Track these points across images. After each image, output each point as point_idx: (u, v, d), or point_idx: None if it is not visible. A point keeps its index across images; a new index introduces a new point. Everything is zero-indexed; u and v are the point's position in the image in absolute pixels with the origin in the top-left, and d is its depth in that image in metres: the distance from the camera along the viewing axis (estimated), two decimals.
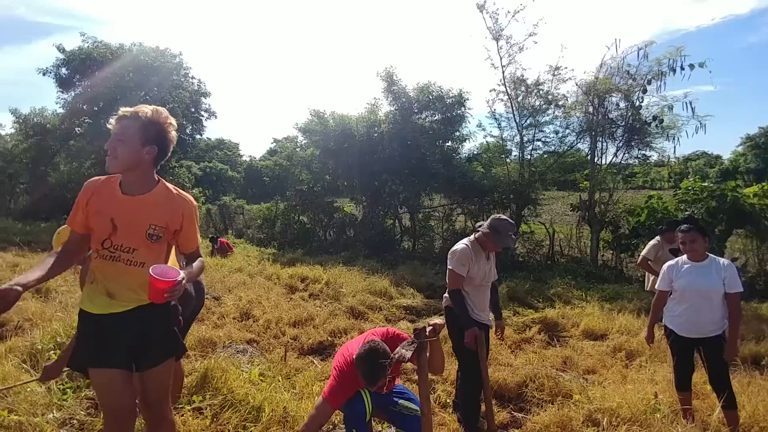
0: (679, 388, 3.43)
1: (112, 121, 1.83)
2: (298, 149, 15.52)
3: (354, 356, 2.41)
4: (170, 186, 1.95)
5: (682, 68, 9.37)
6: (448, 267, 3.25)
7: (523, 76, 10.94)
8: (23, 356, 3.41)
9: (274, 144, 42.89)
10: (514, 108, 11.19)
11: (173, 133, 1.90)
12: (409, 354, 2.26)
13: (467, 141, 12.61)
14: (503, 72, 11.10)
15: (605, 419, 3.39)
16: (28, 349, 3.48)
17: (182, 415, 2.77)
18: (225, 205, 19.62)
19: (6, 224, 13.50)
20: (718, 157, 49.56)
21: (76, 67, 16.35)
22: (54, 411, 2.78)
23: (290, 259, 10.46)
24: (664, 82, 9.63)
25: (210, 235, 13.23)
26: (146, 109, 1.83)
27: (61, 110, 17.24)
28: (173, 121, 1.91)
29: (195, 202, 2.01)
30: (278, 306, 6.16)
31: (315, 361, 4.53)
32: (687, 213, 8.98)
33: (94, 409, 2.98)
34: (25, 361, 3.33)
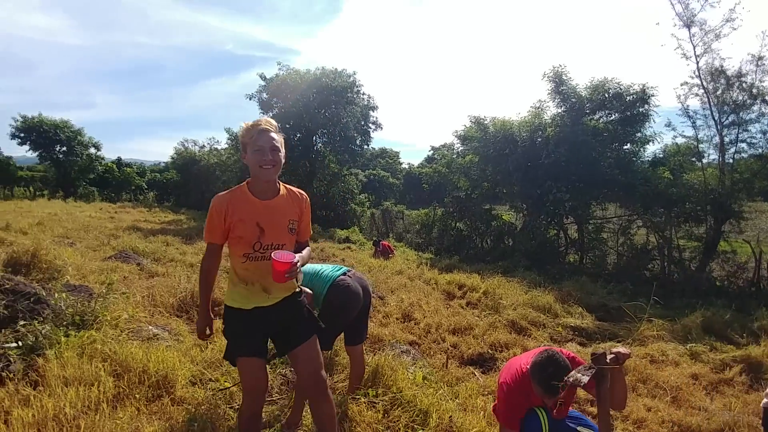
0: None
1: (250, 134, 2.08)
2: (456, 156, 15.71)
3: (529, 365, 2.33)
4: (286, 185, 2.24)
5: None
6: None
7: (722, 66, 9.11)
8: None
9: (432, 151, 44.18)
10: (712, 103, 9.37)
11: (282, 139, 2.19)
12: (586, 379, 2.10)
13: (651, 143, 10.99)
14: (697, 62, 9.42)
15: None
16: None
17: (359, 406, 3.00)
18: (387, 209, 21.04)
19: None
20: None
21: (274, 91, 19.57)
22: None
23: (447, 265, 10.65)
24: None
25: (373, 238, 14.35)
26: (272, 121, 2.12)
27: None
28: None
29: (307, 196, 2.31)
30: (438, 311, 6.36)
31: (476, 372, 4.55)
32: None
33: (287, 385, 3.48)
34: None
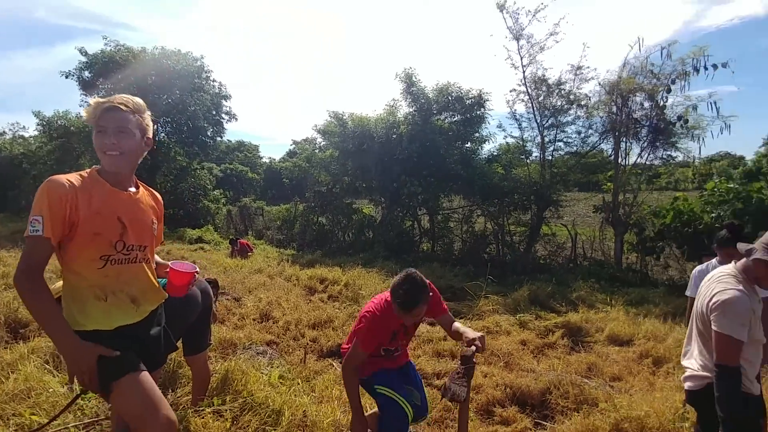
0: None
1: (94, 113, 1.68)
2: (317, 151, 15.60)
3: (390, 287, 2.30)
4: (140, 181, 1.89)
5: (706, 68, 9.12)
6: (719, 330, 1.98)
7: (544, 75, 10.76)
8: (46, 357, 3.43)
9: (293, 146, 43.33)
10: (535, 108, 11.01)
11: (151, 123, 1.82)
12: (464, 393, 2.07)
13: (487, 142, 12.50)
14: (524, 72, 10.94)
15: (632, 429, 3.29)
16: (51, 350, 3.49)
17: (203, 418, 2.76)
18: (245, 206, 19.87)
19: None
20: (741, 158, 47.97)
21: (99, 70, 16.66)
22: (76, 413, 2.78)
23: (309, 261, 10.51)
24: (688, 82, 9.39)
25: (230, 237, 13.41)
26: (133, 99, 1.74)
27: (84, 113, 17.77)
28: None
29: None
30: (298, 307, 6.19)
31: (334, 363, 4.52)
32: (714, 215, 8.68)
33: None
34: (47, 362, 3.35)
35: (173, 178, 18.69)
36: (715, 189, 9.02)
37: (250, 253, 11.64)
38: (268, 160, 50.27)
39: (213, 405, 3.04)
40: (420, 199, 11.95)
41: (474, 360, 2.15)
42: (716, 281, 2.14)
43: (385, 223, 12.69)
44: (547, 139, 11.19)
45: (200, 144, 18.69)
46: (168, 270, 1.67)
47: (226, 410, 2.99)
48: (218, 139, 20.51)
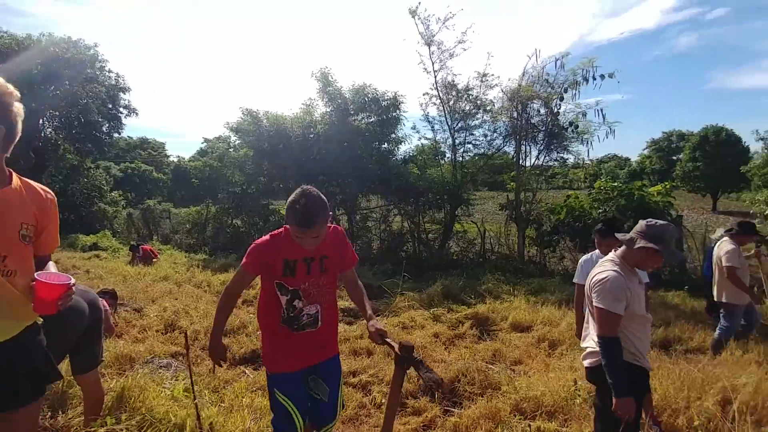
0: None
1: None
2: (231, 150, 14.87)
3: (286, 205, 2.08)
4: (24, 178, 1.62)
5: (594, 78, 10.24)
6: (597, 305, 2.32)
7: (453, 81, 11.34)
8: None
9: (205, 144, 40.88)
10: (446, 111, 11.57)
11: (18, 107, 1.51)
12: (437, 376, 2.06)
13: (403, 143, 12.84)
14: (435, 77, 11.44)
15: (530, 408, 3.61)
16: None
17: None
18: (149, 209, 18.30)
19: None
20: (627, 159, 54.89)
21: None
22: None
23: (223, 265, 10.00)
24: (579, 91, 10.48)
25: (131, 243, 12.29)
26: (9, 88, 1.50)
27: None
28: (15, 91, 1.52)
29: (54, 197, 1.72)
30: (208, 315, 5.85)
31: (247, 371, 4.36)
32: (600, 211, 9.82)
33: None
34: None
35: (62, 178, 16.73)
36: (602, 187, 10.21)
37: (154, 260, 10.78)
38: (176, 159, 46.89)
39: (106, 425, 2.82)
40: (338, 200, 11.94)
41: (413, 355, 2.11)
42: (597, 266, 2.51)
43: None
44: (457, 141, 11.83)
45: (94, 140, 16.86)
46: (34, 282, 1.46)
47: (122, 430, 2.77)
48: (116, 135, 18.67)
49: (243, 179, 13.41)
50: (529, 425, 3.34)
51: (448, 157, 12.33)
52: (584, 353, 2.56)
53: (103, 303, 5.08)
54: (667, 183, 10.35)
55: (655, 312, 6.25)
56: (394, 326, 5.69)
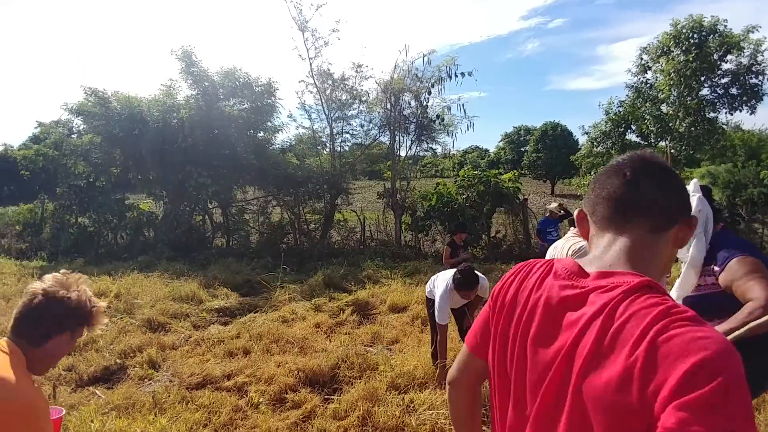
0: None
1: None
2: (72, 136, 12.66)
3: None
4: None
5: (456, 75, 11.15)
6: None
7: (329, 70, 11.29)
8: None
9: (39, 128, 34.18)
10: (323, 100, 11.48)
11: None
12: None
13: (280, 132, 12.39)
14: (311, 64, 11.25)
15: (404, 382, 3.82)
16: None
17: None
18: None
19: None
20: (486, 150, 61.36)
21: None
22: None
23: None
24: (444, 87, 11.33)
25: None
26: None
27: None
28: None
29: None
30: None
31: (98, 391, 3.81)
32: (464, 196, 10.81)
33: None
34: None
35: None
36: (465, 175, 11.21)
37: None
38: (2, 147, 38.48)
39: None
40: (210, 192, 11.05)
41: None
42: (569, 239, 2.84)
43: (168, 219, 11.29)
44: (335, 131, 11.85)
45: None
46: None
47: None
48: None
49: (89, 170, 11.56)
50: (403, 398, 3.54)
51: (327, 147, 12.28)
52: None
53: None
54: (516, 171, 11.84)
55: None
56: (273, 321, 5.51)
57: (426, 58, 11.23)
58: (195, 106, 11.01)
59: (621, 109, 13.33)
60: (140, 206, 12.27)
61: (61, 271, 1.46)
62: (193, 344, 4.93)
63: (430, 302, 4.15)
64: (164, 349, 4.76)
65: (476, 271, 3.79)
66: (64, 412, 1.49)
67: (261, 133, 12.19)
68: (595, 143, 13.37)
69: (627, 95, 13.74)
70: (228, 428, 3.31)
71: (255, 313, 5.97)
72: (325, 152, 12.39)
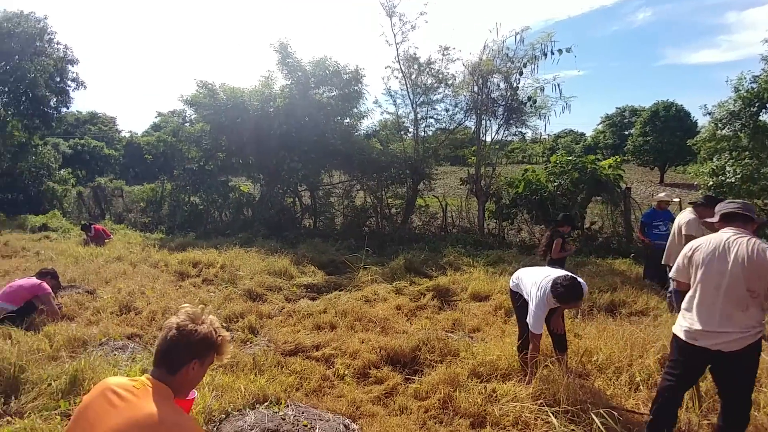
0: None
1: None
2: (187, 124, 14.19)
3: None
4: None
5: (552, 53, 10.37)
6: None
7: (415, 54, 11.20)
8: None
9: (159, 118, 38.78)
10: (408, 85, 11.47)
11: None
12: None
13: (365, 118, 12.65)
14: (397, 49, 11.27)
15: (486, 371, 3.79)
16: None
17: (50, 422, 2.53)
18: (100, 186, 17.35)
19: None
20: (582, 134, 56.71)
21: None
22: None
23: (180, 244, 9.70)
24: (537, 66, 10.60)
25: (83, 222, 11.69)
26: None
27: None
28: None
29: None
30: (165, 295, 5.72)
31: None
32: (555, 184, 10.18)
33: None
34: None
35: (10, 157, 15.49)
36: (557, 161, 10.54)
37: (107, 240, 10.32)
38: (128, 135, 44.37)
39: (59, 408, 2.77)
40: (300, 175, 11.73)
41: None
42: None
43: (264, 200, 12.23)
44: (419, 116, 11.79)
45: (42, 116, 15.70)
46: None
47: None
48: (64, 109, 17.46)
49: (200, 155, 12.90)
50: (485, 387, 3.52)
51: (410, 132, 12.31)
52: (733, 338, 2.55)
53: (43, 284, 4.87)
54: (617, 157, 10.79)
55: (603, 278, 6.65)
56: (356, 300, 5.76)
57: (518, 36, 10.65)
58: (289, 95, 11.67)
59: (755, 85, 11.38)
60: (241, 188, 13.44)
61: (185, 305, 1.69)
62: (286, 315, 5.36)
63: (515, 295, 3.95)
64: (261, 317, 5.23)
65: (578, 279, 3.45)
66: (197, 394, 1.71)
67: (347, 120, 12.58)
68: (719, 125, 11.61)
69: (763, 69, 11.69)
70: (317, 394, 3.58)
71: (340, 291, 6.28)
72: (408, 137, 12.44)
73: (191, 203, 13.30)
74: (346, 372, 3.94)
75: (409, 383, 3.78)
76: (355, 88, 11.84)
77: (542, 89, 10.77)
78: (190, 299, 5.52)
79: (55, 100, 16.40)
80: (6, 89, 15.12)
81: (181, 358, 1.57)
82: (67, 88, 16.71)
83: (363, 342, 4.45)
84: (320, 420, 3.06)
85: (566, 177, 10.12)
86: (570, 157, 10.65)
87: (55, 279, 5.50)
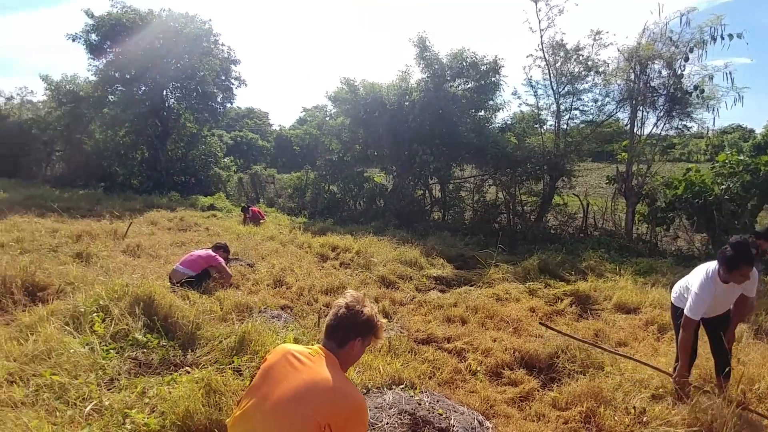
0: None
1: None
2: (328, 118, 15.43)
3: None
4: None
5: (722, 37, 8.75)
6: None
7: (562, 40, 10.40)
8: (66, 319, 3.50)
9: (304, 113, 42.91)
10: (552, 74, 10.71)
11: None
12: None
13: (501, 110, 12.23)
14: (542, 36, 10.58)
15: (635, 390, 3.41)
16: (71, 311, 3.59)
17: (223, 375, 2.86)
18: (256, 173, 19.94)
19: (43, 191, 13.65)
20: (752, 130, 46.77)
21: (106, 33, 16.25)
22: (98, 371, 2.89)
23: (321, 228, 10.64)
24: (705, 51, 9.03)
25: (242, 204, 13.58)
26: None
27: (93, 77, 17.18)
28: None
29: None
30: (310, 274, 6.34)
31: None
32: (723, 187, 8.60)
33: (139, 367, 3.15)
34: (67, 324, 3.43)
35: (184, 145, 18.62)
36: (726, 161, 8.89)
37: (262, 221, 11.80)
38: (278, 128, 49.91)
39: (233, 363, 3.20)
40: (431, 168, 11.89)
41: None
42: None
43: (396, 191, 12.72)
44: (562, 107, 10.95)
45: (210, 110, 18.46)
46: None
47: (245, 369, 3.15)
48: (228, 105, 20.28)
49: (339, 147, 13.94)
50: (634, 407, 3.17)
51: (550, 125, 11.53)
52: None
53: (217, 256, 5.72)
54: None
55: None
56: (488, 297, 5.65)
57: (684, 18, 9.19)
58: (424, 88, 11.88)
59: None
60: (375, 179, 14.17)
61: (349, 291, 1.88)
62: (417, 304, 5.52)
63: (676, 310, 3.45)
64: (394, 303, 5.48)
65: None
66: None
67: (482, 112, 12.31)
68: None
69: None
70: (449, 386, 3.62)
71: (469, 286, 6.24)
72: (547, 131, 11.66)
73: (330, 191, 14.49)
74: (478, 368, 3.91)
75: (546, 390, 3.60)
76: (492, 79, 11.52)
77: (711, 78, 9.17)
78: (330, 280, 6.02)
79: (221, 96, 19.01)
80: (179, 85, 17.68)
81: (347, 333, 1.76)
82: (231, 85, 19.16)
83: (495, 341, 4.37)
84: (454, 411, 3.09)
85: (736, 180, 8.48)
86: (741, 157, 8.86)
87: (227, 252, 6.43)
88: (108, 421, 2.41)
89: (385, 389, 3.27)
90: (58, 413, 2.43)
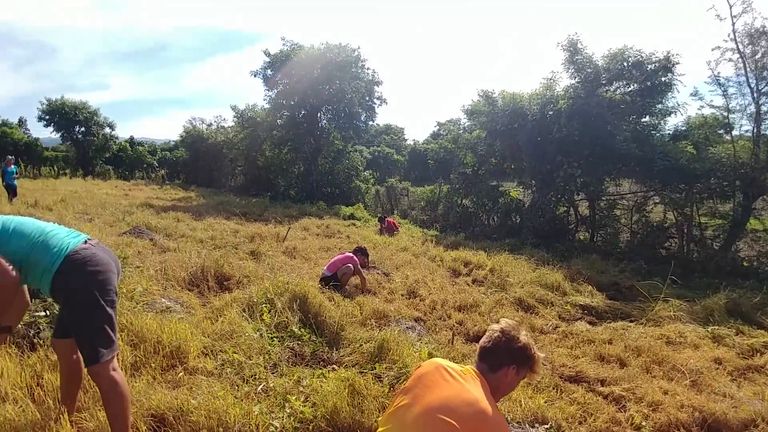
0: None
1: None
2: (462, 131, 15.24)
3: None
4: None
5: None
6: None
7: (763, 27, 8.41)
8: (243, 306, 4.01)
9: (438, 127, 43.40)
10: (748, 69, 8.72)
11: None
12: None
13: (673, 114, 10.41)
14: (733, 24, 8.73)
15: None
16: (247, 300, 4.10)
17: (365, 378, 2.91)
18: (392, 186, 20.70)
19: (228, 198, 16.83)
20: None
21: (278, 68, 19.14)
22: (264, 355, 3.23)
23: (452, 243, 10.40)
24: None
25: (378, 215, 14.13)
26: None
27: (267, 105, 20.78)
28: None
29: None
30: (443, 288, 6.13)
31: None
32: None
33: (295, 357, 3.44)
34: (244, 311, 3.92)
35: (331, 160, 20.54)
36: None
37: (396, 232, 12.05)
38: (412, 142, 51.39)
39: (374, 369, 3.20)
40: (579, 183, 10.70)
41: None
42: None
43: (535, 207, 11.79)
44: (763, 109, 8.80)
45: (355, 128, 20.24)
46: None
47: (384, 377, 3.12)
48: (370, 123, 21.75)
49: (474, 160, 13.57)
50: None
51: (745, 130, 9.37)
52: None
53: (354, 257, 5.84)
54: None
55: None
56: (654, 338, 4.70)
57: None
58: (573, 95, 10.83)
59: None
60: (510, 193, 13.41)
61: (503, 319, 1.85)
62: (561, 335, 4.86)
63: None
64: (533, 330, 4.91)
65: None
66: None
67: (646, 118, 10.70)
68: None
69: None
70: None
71: (629, 321, 5.29)
72: (740, 137, 9.48)
73: (463, 205, 14.17)
74: (643, 423, 3.19)
75: None
76: (663, 79, 9.90)
77: None
78: (463, 297, 5.72)
79: (364, 115, 20.59)
80: (330, 108, 19.97)
81: (501, 358, 1.72)
82: (374, 105, 20.62)
83: (666, 393, 3.54)
84: None
85: None
86: None
87: (365, 256, 6.55)
88: (273, 402, 2.64)
89: (527, 426, 2.90)
90: (237, 387, 2.74)
